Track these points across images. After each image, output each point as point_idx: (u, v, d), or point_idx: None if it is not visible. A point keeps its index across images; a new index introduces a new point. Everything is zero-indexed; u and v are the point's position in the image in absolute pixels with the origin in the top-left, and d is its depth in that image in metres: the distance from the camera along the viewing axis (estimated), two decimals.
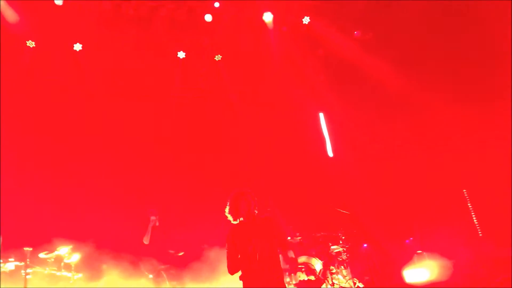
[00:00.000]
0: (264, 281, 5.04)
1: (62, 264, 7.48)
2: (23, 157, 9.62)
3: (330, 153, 11.84)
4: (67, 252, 7.52)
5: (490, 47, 9.71)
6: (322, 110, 12.14)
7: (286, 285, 7.50)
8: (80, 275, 7.65)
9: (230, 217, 5.28)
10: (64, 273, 7.41)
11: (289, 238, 9.04)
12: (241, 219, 5.22)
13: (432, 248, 9.26)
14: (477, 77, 9.81)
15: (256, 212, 5.29)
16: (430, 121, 10.41)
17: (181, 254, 8.61)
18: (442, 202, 9.92)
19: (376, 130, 11.35)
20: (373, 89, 11.18)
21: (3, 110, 9.44)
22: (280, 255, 5.35)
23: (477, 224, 10.07)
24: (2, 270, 6.94)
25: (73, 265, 7.52)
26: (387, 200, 10.81)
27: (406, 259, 9.39)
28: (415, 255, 9.38)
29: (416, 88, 10.08)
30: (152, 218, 8.68)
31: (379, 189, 10.93)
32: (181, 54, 11.00)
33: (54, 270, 7.34)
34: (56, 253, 7.43)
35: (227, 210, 5.28)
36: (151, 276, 8.24)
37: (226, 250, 5.25)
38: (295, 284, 8.38)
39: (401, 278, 8.97)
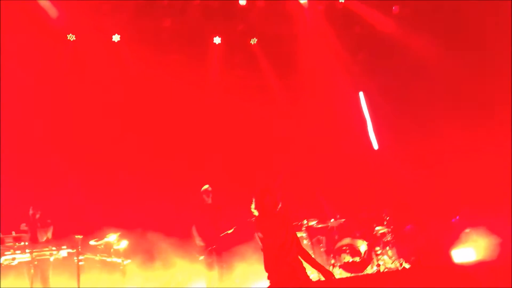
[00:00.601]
0: (295, 276, 4.99)
1: (112, 250, 7.71)
2: (74, 148, 9.94)
3: (372, 133, 11.66)
4: (115, 239, 7.74)
5: None
6: (361, 90, 11.95)
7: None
8: (129, 260, 7.88)
9: (256, 212, 5.30)
10: (114, 259, 7.63)
11: (332, 220, 9.02)
12: (266, 214, 5.21)
13: (480, 227, 9.00)
14: None
15: (280, 206, 5.27)
16: (476, 97, 10.03)
17: (231, 231, 8.69)
18: (490, 180, 9.60)
19: (417, 107, 11.07)
20: (413, 66, 10.87)
21: (48, 103, 9.75)
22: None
23: None
24: (55, 257, 7.21)
25: (121, 251, 7.74)
26: (432, 179, 10.58)
27: (453, 238, 9.18)
28: (462, 234, 9.17)
29: (459, 64, 9.72)
30: (205, 197, 8.77)
31: (424, 168, 10.71)
32: (217, 40, 11.01)
33: (105, 256, 7.58)
34: (105, 240, 7.67)
35: (253, 206, 5.29)
36: (201, 258, 8.40)
37: (260, 246, 5.22)
38: (340, 266, 8.37)
39: (448, 258, 8.78)
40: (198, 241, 8.36)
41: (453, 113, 10.37)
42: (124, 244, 7.79)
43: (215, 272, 8.32)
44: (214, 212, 8.66)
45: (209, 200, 8.70)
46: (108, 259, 7.61)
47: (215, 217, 8.62)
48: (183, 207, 9.44)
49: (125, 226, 8.10)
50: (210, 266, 8.32)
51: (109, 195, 9.61)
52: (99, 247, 7.67)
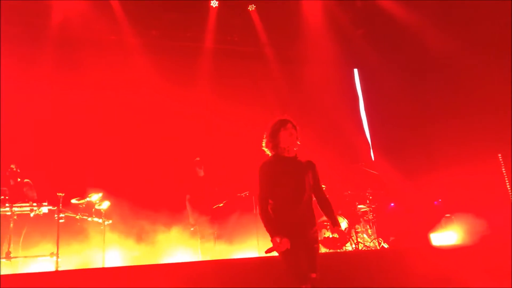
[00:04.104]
0: (303, 227, 4.35)
1: (93, 210, 7.68)
2: (67, 108, 9.77)
3: (362, 110, 11.61)
4: (98, 199, 7.69)
5: None
6: (357, 66, 11.81)
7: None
8: (110, 221, 7.87)
9: (268, 151, 4.61)
10: (95, 219, 7.62)
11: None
12: (280, 153, 4.50)
13: (461, 212, 9.09)
14: None
15: (299, 143, 4.57)
16: (469, 82, 9.90)
17: (221, 204, 8.81)
18: (476, 165, 9.63)
19: (411, 88, 10.97)
20: (412, 46, 10.70)
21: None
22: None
23: (510, 190, 9.80)
24: (36, 213, 7.18)
25: (103, 211, 7.72)
26: (417, 160, 10.60)
27: (434, 221, 9.27)
28: (443, 218, 9.26)
29: (459, 47, 9.54)
30: (198, 170, 8.85)
31: (410, 149, 10.72)
32: (214, 3, 10.75)
33: (86, 215, 7.55)
34: (87, 199, 7.62)
35: (264, 142, 4.61)
36: (192, 229, 8.56)
37: (259, 182, 4.45)
38: (319, 241, 8.44)
39: (427, 241, 8.89)
40: (191, 213, 8.52)
41: (449, 99, 10.29)
42: (106, 205, 7.74)
43: (209, 244, 8.48)
44: (207, 185, 8.79)
45: (201, 173, 8.82)
46: (89, 219, 7.58)
47: (207, 189, 8.75)
48: (174, 177, 9.48)
49: (110, 189, 8.01)
50: (202, 236, 8.50)
51: (99, 157, 9.52)
52: (81, 206, 7.61)
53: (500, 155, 10.01)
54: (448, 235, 8.83)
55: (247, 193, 8.93)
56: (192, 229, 8.65)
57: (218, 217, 8.86)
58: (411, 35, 10.51)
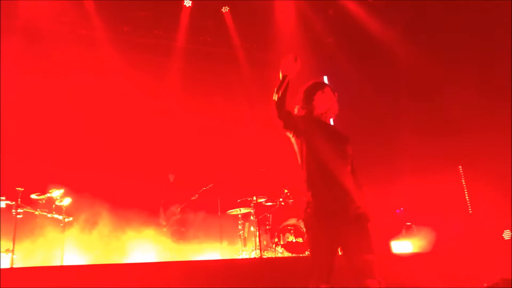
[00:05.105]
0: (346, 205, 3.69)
1: (54, 206, 7.50)
2: (30, 100, 9.50)
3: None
4: (59, 195, 7.51)
5: None
6: (326, 74, 11.94)
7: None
8: (71, 218, 7.70)
9: (296, 109, 3.99)
10: (55, 215, 7.44)
11: (281, 199, 9.10)
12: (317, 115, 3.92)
13: (421, 220, 9.32)
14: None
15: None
16: (434, 94, 10.13)
17: (194, 197, 8.82)
18: (437, 176, 9.88)
19: (377, 98, 11.15)
20: (381, 57, 10.88)
21: None
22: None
23: (468, 201, 10.10)
24: None
25: (64, 208, 7.54)
26: (381, 168, 10.77)
27: (395, 229, 9.46)
28: (404, 226, 9.46)
29: (429, 60, 9.74)
30: (170, 176, 8.95)
31: (373, 158, 10.88)
32: (187, 2, 10.69)
33: (45, 212, 7.36)
34: (48, 195, 7.43)
35: (296, 109, 3.98)
36: (164, 229, 8.59)
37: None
38: (282, 245, 8.50)
39: (388, 248, 9.06)
40: (162, 218, 8.59)
41: (414, 111, 10.50)
42: (67, 201, 7.57)
43: (179, 243, 8.53)
44: (177, 188, 8.86)
45: (172, 178, 8.91)
46: (49, 215, 7.40)
47: (178, 192, 8.82)
48: (140, 175, 9.41)
49: (73, 186, 7.83)
50: (173, 236, 8.54)
51: (62, 152, 9.29)
52: (41, 201, 7.42)
53: (460, 166, 10.31)
54: (407, 243, 9.04)
55: (211, 185, 8.94)
56: (165, 230, 8.75)
57: (188, 216, 8.93)
58: (379, 47, 10.69)
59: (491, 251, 7.89)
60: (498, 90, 8.92)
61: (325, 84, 4.08)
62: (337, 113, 4.02)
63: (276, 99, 3.63)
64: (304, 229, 8.28)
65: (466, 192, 10.15)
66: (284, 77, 3.60)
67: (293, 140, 3.95)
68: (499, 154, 8.61)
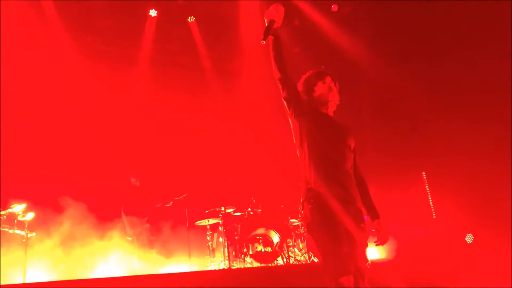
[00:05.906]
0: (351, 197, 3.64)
1: (15, 221, 7.28)
2: None
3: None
4: (21, 210, 7.30)
5: None
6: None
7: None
8: (34, 234, 7.48)
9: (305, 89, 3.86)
10: (17, 231, 7.22)
11: (249, 209, 9.11)
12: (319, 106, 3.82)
13: (386, 227, 9.44)
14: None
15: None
16: (398, 104, 10.35)
17: (169, 204, 8.71)
18: (401, 183, 10.09)
19: (340, 108, 11.29)
20: (346, 70, 11.05)
21: None
22: None
23: (432, 206, 10.35)
24: None
25: (26, 224, 7.33)
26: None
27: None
28: (370, 233, 9.59)
29: (393, 73, 9.95)
30: (133, 180, 8.76)
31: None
32: (153, 13, 10.62)
33: (7, 227, 7.14)
34: (9, 210, 7.21)
35: (305, 90, 3.84)
36: (129, 238, 8.41)
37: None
38: (251, 255, 8.50)
39: None
40: (128, 223, 8.39)
41: (378, 119, 10.72)
42: (30, 216, 7.36)
43: (149, 253, 8.42)
44: (143, 194, 8.71)
45: (137, 183, 8.75)
46: (10, 231, 7.17)
47: (144, 198, 8.67)
48: (106, 185, 9.19)
49: (35, 200, 7.62)
50: (141, 245, 8.40)
51: (23, 166, 8.98)
52: (2, 217, 7.19)
53: (424, 173, 10.59)
54: (372, 250, 9.19)
55: (185, 195, 8.87)
56: (129, 239, 8.54)
57: (156, 225, 8.87)
58: (344, 58, 10.88)
59: (454, 255, 8.13)
60: (457, 97, 9.22)
61: (326, 73, 3.97)
62: (338, 104, 3.92)
63: (272, 57, 3.80)
64: (272, 238, 8.37)
65: (430, 198, 10.42)
66: (270, 21, 3.66)
67: (292, 121, 3.87)
68: (461, 160, 8.87)
